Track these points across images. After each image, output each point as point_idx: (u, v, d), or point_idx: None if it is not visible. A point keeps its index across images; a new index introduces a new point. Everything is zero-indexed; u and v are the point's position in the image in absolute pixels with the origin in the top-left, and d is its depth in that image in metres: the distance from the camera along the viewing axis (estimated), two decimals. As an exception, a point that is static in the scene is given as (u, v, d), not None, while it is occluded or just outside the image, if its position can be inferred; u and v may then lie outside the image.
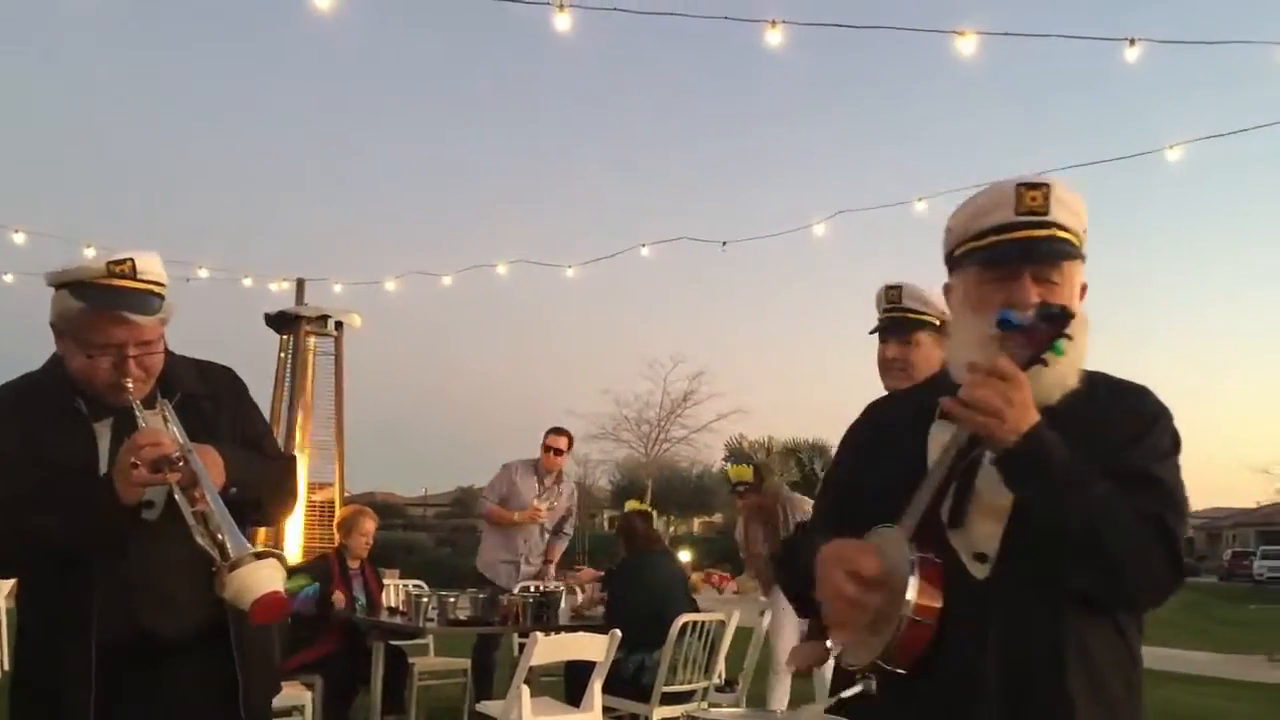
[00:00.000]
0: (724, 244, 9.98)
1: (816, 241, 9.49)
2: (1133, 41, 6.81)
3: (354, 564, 6.69)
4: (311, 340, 9.30)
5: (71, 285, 2.32)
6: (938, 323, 3.16)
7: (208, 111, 56.01)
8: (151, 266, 2.39)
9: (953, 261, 1.87)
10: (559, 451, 7.74)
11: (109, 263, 2.33)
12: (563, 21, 6.35)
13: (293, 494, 2.77)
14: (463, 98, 58.46)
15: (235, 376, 2.73)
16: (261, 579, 2.09)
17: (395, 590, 7.45)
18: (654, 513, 9.14)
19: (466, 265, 11.42)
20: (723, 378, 44.06)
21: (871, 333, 3.29)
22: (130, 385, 2.34)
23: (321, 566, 6.61)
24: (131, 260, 2.35)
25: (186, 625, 2.39)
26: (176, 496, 2.22)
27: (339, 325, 9.46)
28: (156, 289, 2.39)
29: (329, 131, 57.25)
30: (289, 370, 9.20)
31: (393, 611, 6.65)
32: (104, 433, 2.39)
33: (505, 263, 11.06)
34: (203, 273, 11.05)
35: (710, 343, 57.91)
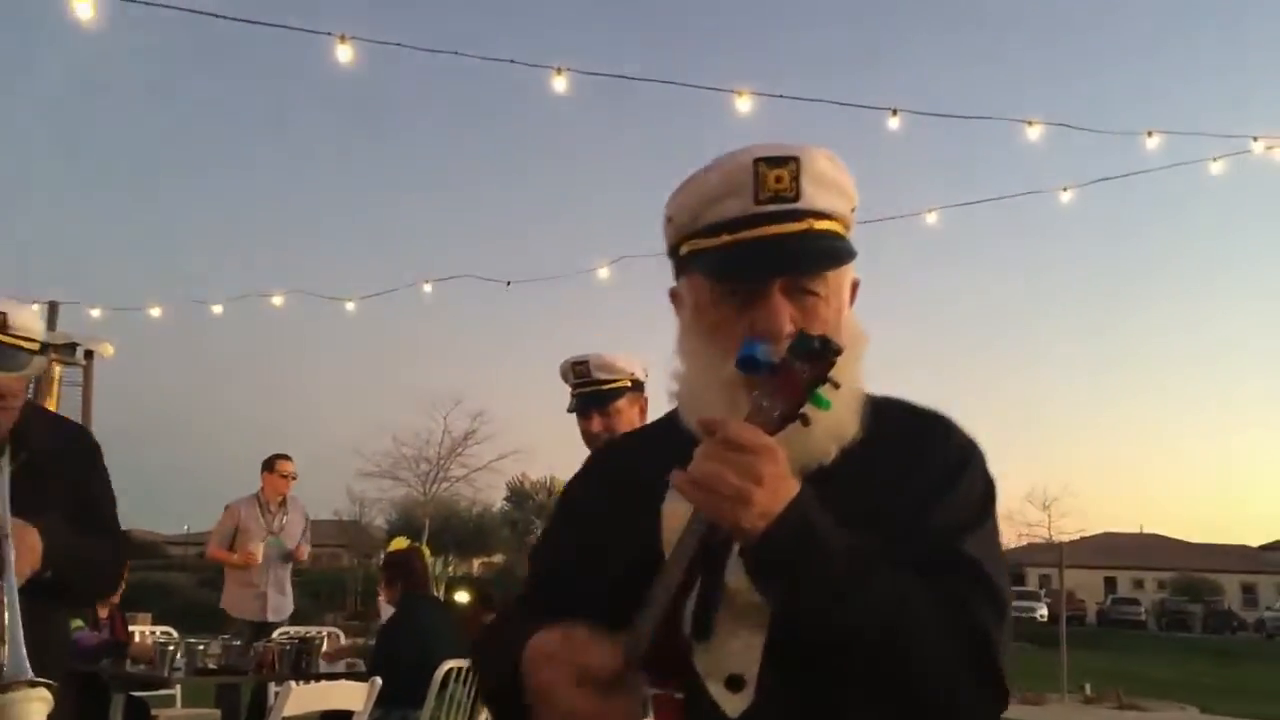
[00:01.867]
0: (509, 283, 10.02)
1: (600, 284, 9.62)
2: (895, 111, 7.24)
3: (103, 611, 6.26)
4: (58, 369, 8.72)
5: None
6: (630, 384, 3.27)
7: None
8: (23, 321, 2.36)
9: (678, 261, 1.42)
10: (285, 476, 7.66)
11: None
12: (345, 53, 6.23)
13: (114, 579, 2.79)
14: (244, 126, 56.50)
15: (89, 437, 2.77)
16: (26, 714, 1.98)
17: (142, 637, 7.00)
18: (427, 551, 8.98)
19: (240, 294, 11.01)
20: (505, 418, 43.91)
21: (570, 411, 3.35)
22: None
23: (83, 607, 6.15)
24: (3, 314, 2.30)
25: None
26: None
27: (89, 354, 8.91)
28: (27, 345, 2.36)
29: (105, 146, 54.14)
30: (30, 399, 8.56)
31: (134, 661, 6.24)
32: None
33: (282, 293, 10.74)
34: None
35: (494, 382, 57.51)
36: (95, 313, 10.51)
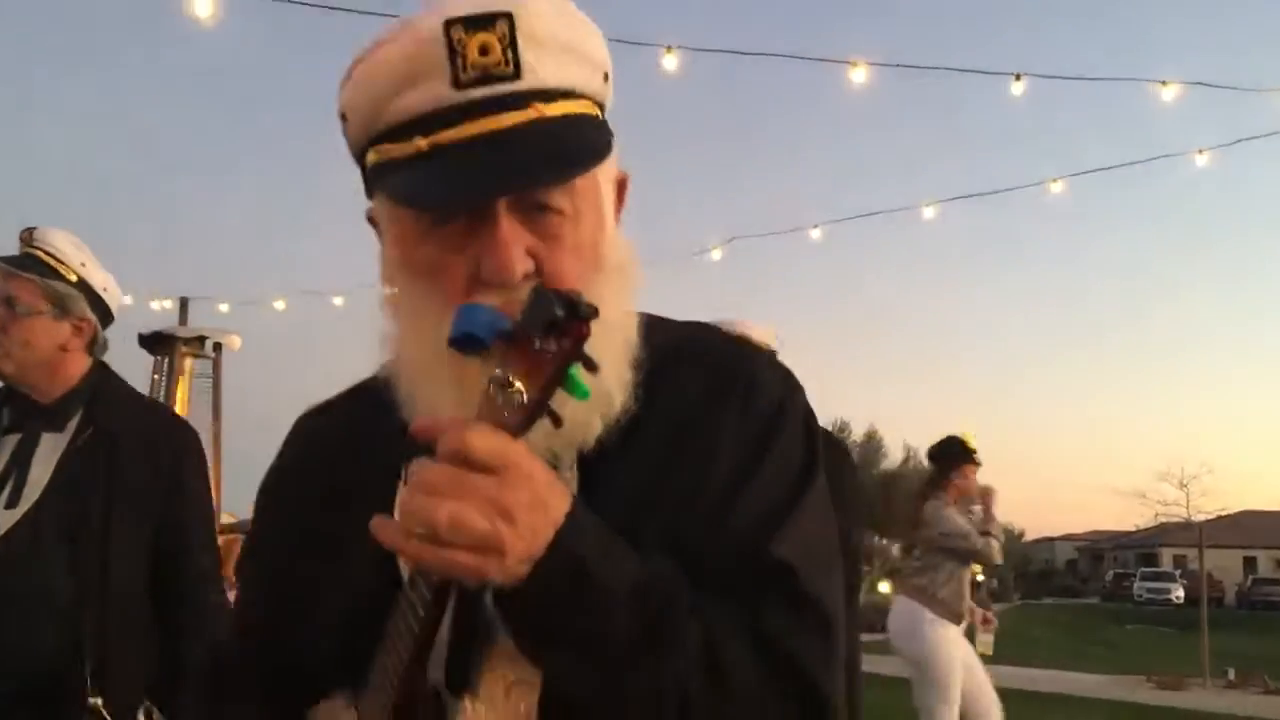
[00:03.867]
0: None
1: (712, 266, 9.57)
2: (1018, 76, 6.97)
3: (232, 595, 6.43)
4: (189, 362, 9.01)
5: None
6: None
7: (94, 124, 54.28)
8: (50, 239, 2.31)
9: (366, 173, 1.03)
10: None
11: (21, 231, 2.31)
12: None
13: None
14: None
15: (185, 428, 2.49)
16: None
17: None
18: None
19: (358, 285, 11.22)
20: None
21: None
22: None
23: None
24: (31, 230, 2.30)
25: (17, 676, 2.13)
26: None
27: (218, 347, 9.18)
28: (45, 258, 2.29)
29: (219, 149, 56.01)
30: (163, 392, 8.87)
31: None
32: (6, 448, 2.24)
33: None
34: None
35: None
36: (223, 307, 10.83)
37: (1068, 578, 62.41)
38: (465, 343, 0.84)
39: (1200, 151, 8.20)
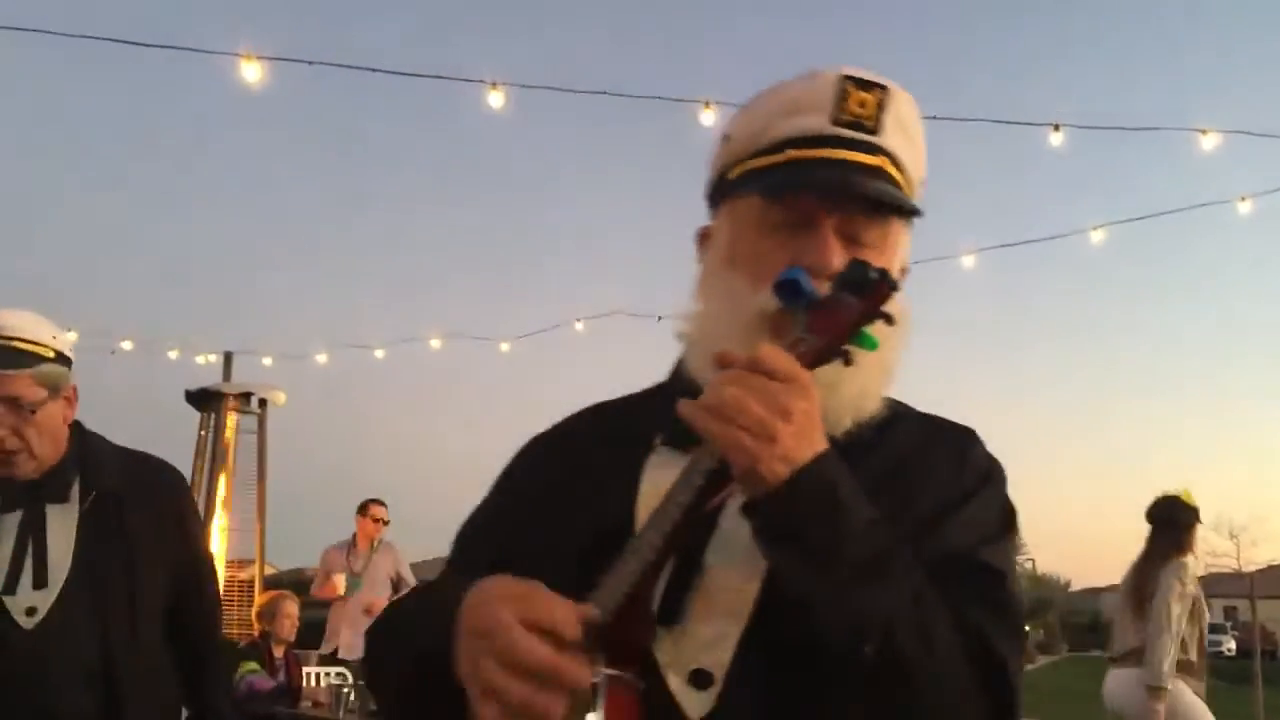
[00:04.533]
0: (659, 318, 9.99)
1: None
2: (1057, 127, 6.96)
3: (278, 651, 6.46)
4: (234, 418, 9.09)
5: None
6: None
7: (137, 179, 55.31)
8: (15, 322, 2.23)
9: (720, 190, 1.24)
10: (378, 520, 8.05)
11: None
12: (497, 99, 6.34)
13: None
14: (402, 174, 58.50)
15: (168, 480, 2.50)
16: None
17: (316, 679, 7.19)
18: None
19: (399, 338, 11.32)
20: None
21: None
22: (9, 459, 2.19)
23: (259, 651, 6.38)
24: None
25: None
26: None
27: (263, 403, 9.28)
28: (24, 345, 2.22)
29: (264, 203, 56.89)
30: (210, 448, 8.96)
31: (315, 704, 6.41)
32: (9, 526, 2.21)
33: (439, 336, 10.97)
34: (126, 344, 10.80)
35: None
36: (267, 361, 10.94)
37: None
38: (789, 289, 1.04)
39: (1243, 199, 8.15)
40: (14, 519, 2.23)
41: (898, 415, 1.20)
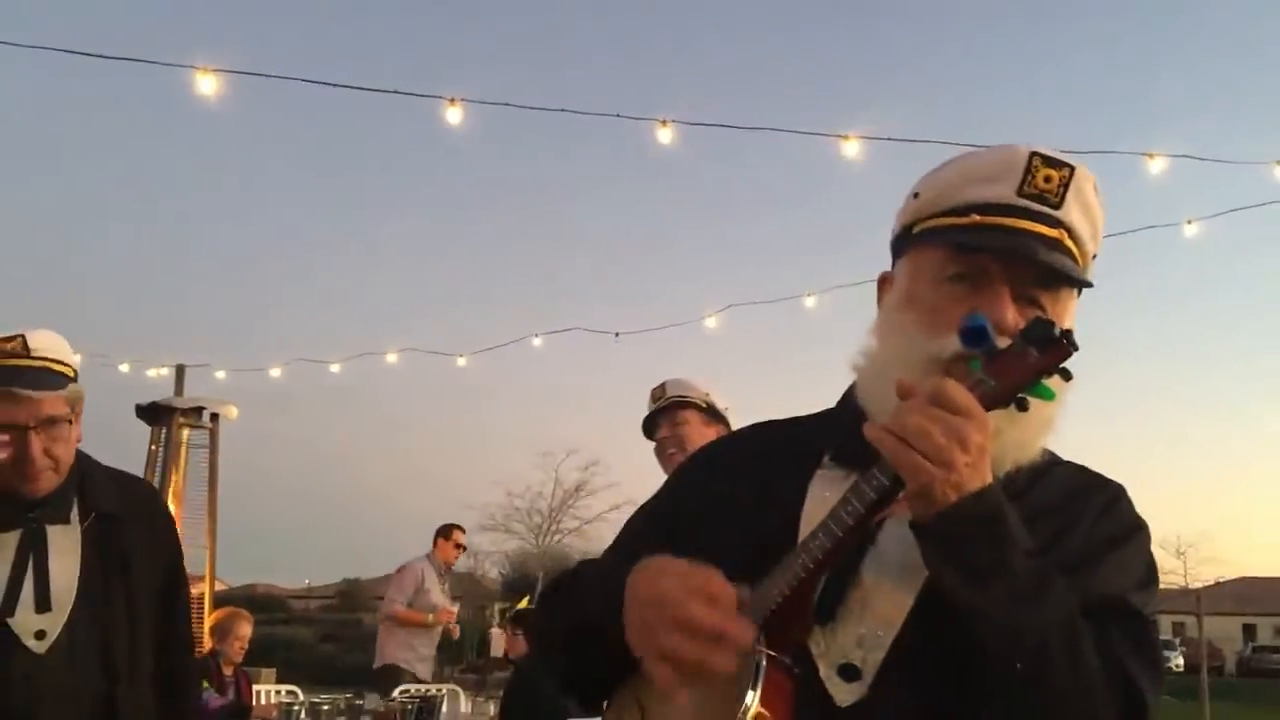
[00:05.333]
0: (617, 334, 10.03)
1: (708, 333, 9.59)
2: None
3: (228, 670, 6.37)
4: (185, 433, 8.98)
5: None
6: (703, 405, 3.29)
7: (92, 191, 54.63)
8: (46, 343, 2.28)
9: (905, 241, 1.34)
10: (460, 546, 8.05)
11: None
12: (455, 115, 6.34)
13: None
14: (359, 190, 58.21)
15: (156, 500, 2.59)
16: None
17: (266, 696, 7.10)
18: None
19: (354, 354, 11.26)
20: (616, 468, 43.97)
21: (644, 433, 3.35)
22: (39, 476, 2.20)
23: (207, 667, 6.28)
24: (22, 337, 2.23)
25: None
26: None
27: (214, 417, 9.16)
28: (56, 366, 2.28)
29: (219, 212, 56.36)
30: (160, 462, 8.85)
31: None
32: (8, 545, 2.21)
33: (395, 351, 10.93)
34: (76, 357, 10.63)
35: (605, 433, 57.64)
36: (220, 375, 10.84)
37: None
38: (974, 333, 1.10)
39: (1189, 222, 8.31)
40: (12, 538, 2.23)
41: (1053, 464, 1.30)
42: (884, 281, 1.37)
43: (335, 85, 6.45)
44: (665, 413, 3.29)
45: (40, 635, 2.16)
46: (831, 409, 1.40)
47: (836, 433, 1.26)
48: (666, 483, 1.51)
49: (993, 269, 1.22)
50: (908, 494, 1.09)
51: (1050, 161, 1.23)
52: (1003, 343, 1.11)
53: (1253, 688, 30.68)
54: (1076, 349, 1.08)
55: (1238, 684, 33.85)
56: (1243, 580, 51.63)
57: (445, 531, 8.03)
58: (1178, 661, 38.12)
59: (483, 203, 57.97)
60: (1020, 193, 1.22)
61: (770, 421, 1.49)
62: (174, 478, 8.83)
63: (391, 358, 10.97)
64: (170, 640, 2.43)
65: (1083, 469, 1.35)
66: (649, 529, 1.43)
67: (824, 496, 1.21)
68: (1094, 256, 1.29)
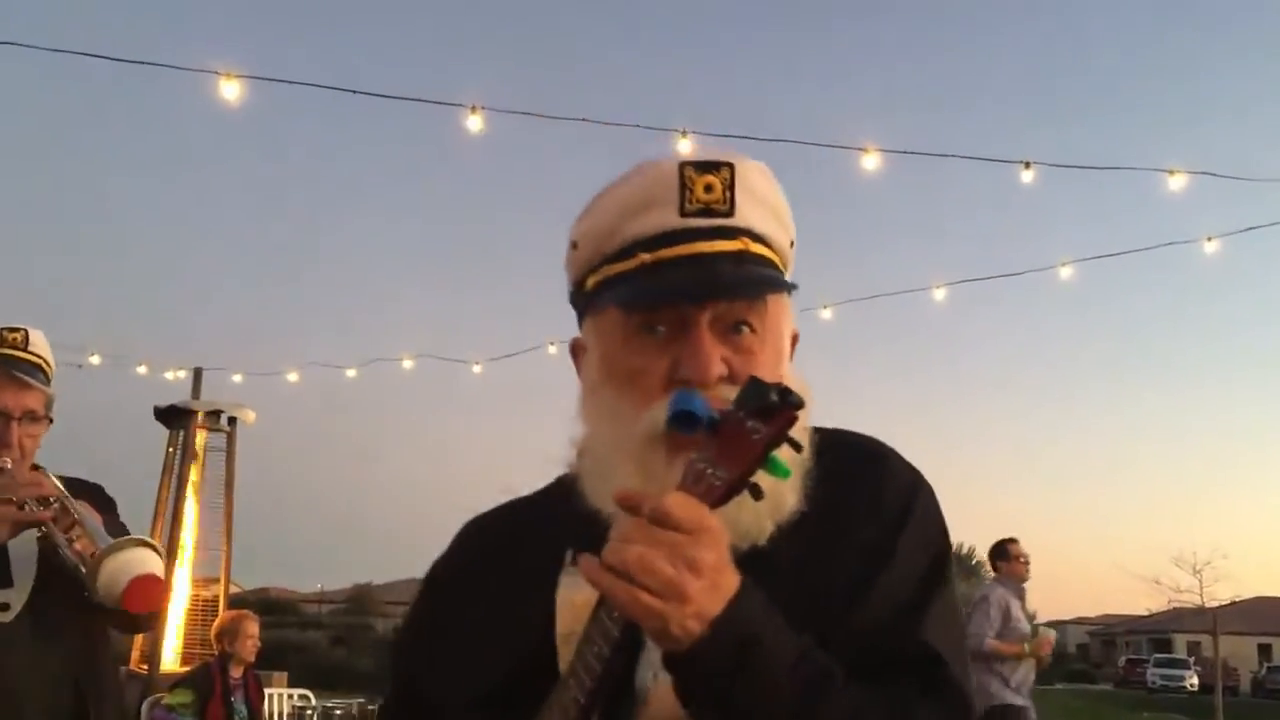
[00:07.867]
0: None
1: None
2: (1028, 164, 7.06)
3: (236, 672, 6.38)
4: (203, 435, 9.02)
5: None
6: None
7: (111, 194, 54.98)
8: (40, 342, 2.37)
9: (582, 299, 1.18)
10: (1026, 563, 7.73)
11: (2, 329, 2.32)
12: (475, 123, 6.37)
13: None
14: (370, 195, 58.42)
15: (104, 495, 2.59)
16: (139, 559, 2.05)
17: (278, 700, 7.12)
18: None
19: (370, 359, 11.29)
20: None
21: None
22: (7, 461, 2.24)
23: (204, 678, 6.29)
24: (25, 331, 2.34)
25: None
26: (55, 539, 2.17)
27: (232, 420, 9.20)
28: (44, 366, 2.36)
29: (239, 217, 56.65)
30: (178, 464, 8.89)
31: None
32: None
33: (410, 357, 10.95)
34: (94, 359, 10.73)
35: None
36: (237, 378, 10.88)
37: (1079, 662, 61.38)
38: (683, 419, 0.96)
39: (1209, 239, 8.28)
40: None
41: (819, 452, 1.11)
42: (576, 350, 1.21)
43: (355, 92, 6.47)
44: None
45: (4, 608, 2.21)
46: (568, 483, 1.18)
47: (572, 526, 1.07)
48: (413, 613, 1.35)
49: (682, 306, 1.07)
50: (648, 635, 0.95)
51: (704, 167, 1.08)
52: (720, 411, 0.95)
53: (1268, 709, 30.43)
54: (800, 406, 0.93)
55: (1254, 704, 33.55)
56: (1258, 599, 51.24)
57: (1001, 550, 7.67)
58: (1193, 681, 37.89)
59: (500, 209, 58.08)
60: (684, 212, 1.07)
61: (514, 502, 1.32)
62: (192, 480, 8.88)
63: (407, 363, 11.00)
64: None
65: (837, 449, 1.14)
66: (417, 655, 1.30)
67: (575, 603, 1.06)
68: (791, 244, 1.15)
